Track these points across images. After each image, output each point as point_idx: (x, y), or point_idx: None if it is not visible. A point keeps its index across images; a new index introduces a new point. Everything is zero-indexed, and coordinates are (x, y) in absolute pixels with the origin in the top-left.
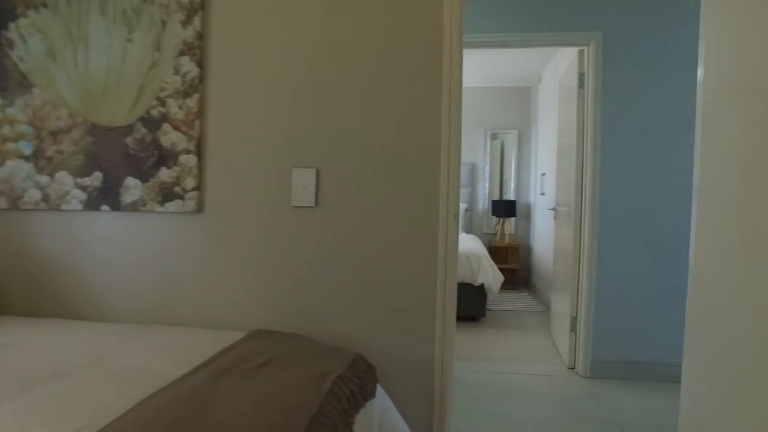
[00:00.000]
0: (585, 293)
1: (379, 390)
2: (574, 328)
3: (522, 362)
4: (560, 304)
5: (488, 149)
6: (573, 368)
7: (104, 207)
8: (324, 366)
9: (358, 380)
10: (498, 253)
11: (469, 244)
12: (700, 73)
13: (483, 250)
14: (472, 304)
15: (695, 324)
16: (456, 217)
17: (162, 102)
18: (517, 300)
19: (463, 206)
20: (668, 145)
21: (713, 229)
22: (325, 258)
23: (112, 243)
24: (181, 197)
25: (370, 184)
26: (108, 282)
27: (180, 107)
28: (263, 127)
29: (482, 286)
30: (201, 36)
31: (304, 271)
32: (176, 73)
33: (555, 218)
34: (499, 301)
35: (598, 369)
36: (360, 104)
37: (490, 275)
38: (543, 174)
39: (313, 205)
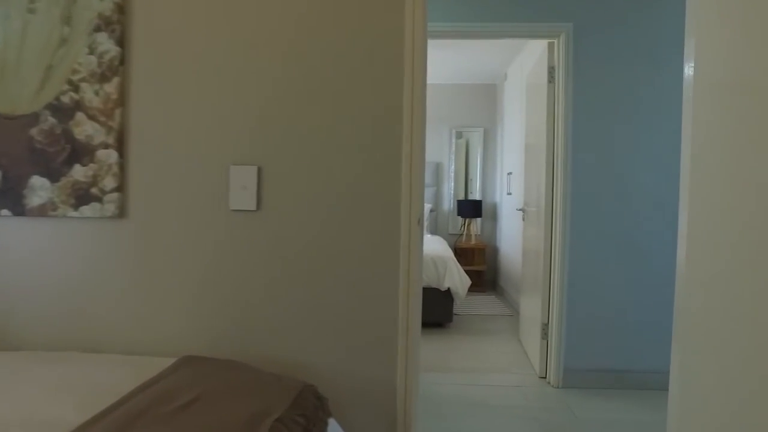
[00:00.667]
0: (557, 299)
1: (332, 426)
2: (545, 336)
3: (491, 372)
4: (530, 308)
5: (453, 148)
6: (545, 377)
7: (4, 212)
8: (262, 404)
9: (303, 420)
10: (464, 254)
11: (435, 246)
12: (688, 69)
13: (449, 253)
14: (438, 310)
15: (685, 329)
16: (420, 221)
17: (74, 87)
18: (485, 303)
19: (427, 207)
20: (641, 143)
21: (707, 230)
22: (270, 270)
23: (14, 255)
24: (99, 200)
25: (322, 184)
26: (8, 302)
27: (96, 93)
28: (197, 118)
29: (448, 290)
30: (121, 9)
31: (244, 286)
32: (91, 52)
33: (524, 219)
34: (465, 304)
35: (571, 378)
36: (310, 93)
37: (457, 279)
38: (509, 173)
39: (255, 208)
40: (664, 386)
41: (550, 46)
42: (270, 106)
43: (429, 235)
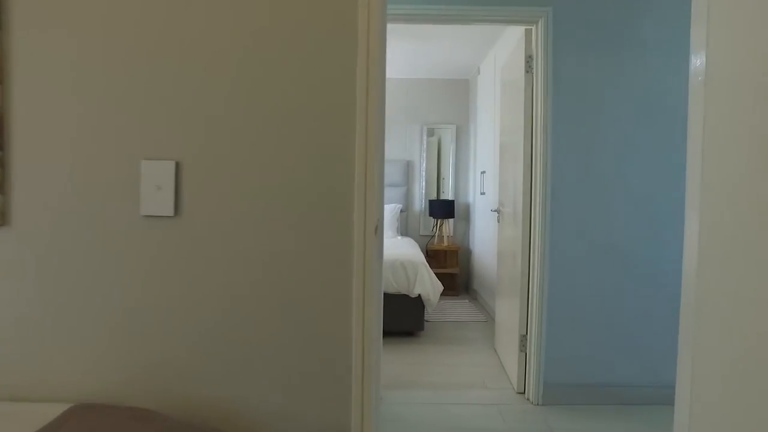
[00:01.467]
0: (535, 308)
1: None
2: (523, 348)
3: (465, 388)
4: (505, 314)
5: (425, 146)
6: (523, 393)
7: None
8: None
9: None
10: (436, 256)
11: (405, 249)
12: (697, 61)
13: (420, 256)
14: (407, 318)
15: (693, 338)
16: (378, 230)
17: None
18: (458, 308)
19: (398, 207)
20: (626, 138)
21: (720, 234)
22: (192, 291)
23: None
24: None
25: (256, 187)
26: None
27: None
28: (99, 101)
29: (419, 297)
30: None
31: (159, 309)
32: None
33: (498, 221)
34: (438, 310)
35: (552, 394)
36: (244, 78)
37: (428, 285)
38: (483, 172)
39: (172, 213)
40: (653, 401)
41: (528, 33)
42: (190, 89)
43: (399, 237)
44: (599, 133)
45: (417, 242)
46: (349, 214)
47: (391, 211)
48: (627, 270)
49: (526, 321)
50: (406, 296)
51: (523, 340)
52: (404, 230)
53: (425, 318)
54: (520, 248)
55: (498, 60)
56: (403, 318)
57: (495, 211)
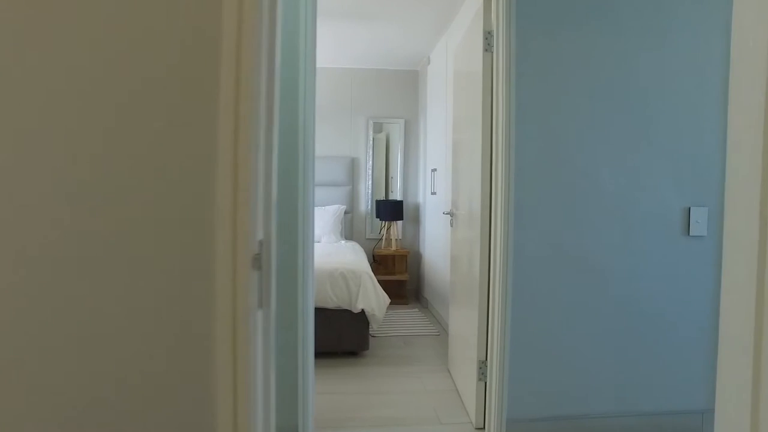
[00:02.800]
0: (497, 330)
1: None
2: (482, 376)
3: (416, 424)
4: (460, 326)
5: (371, 141)
6: (482, 429)
7: None
8: None
9: None
10: (384, 262)
11: (347, 256)
12: (740, 36)
13: (364, 265)
14: (350, 336)
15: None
16: (264, 260)
17: None
18: (408, 319)
19: (341, 208)
20: (602, 130)
21: None
22: None
23: None
24: None
25: (70, 190)
26: None
27: None
28: None
29: (363, 312)
30: None
31: None
32: None
33: (452, 224)
34: (385, 321)
35: (517, 429)
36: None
37: (373, 298)
38: (434, 170)
39: None
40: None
41: (486, 4)
42: None
43: (343, 242)
44: (572, 124)
45: (363, 247)
46: (207, 237)
47: (333, 213)
48: (602, 287)
49: (486, 344)
50: (347, 312)
51: (483, 367)
52: (349, 234)
53: (370, 333)
54: (478, 252)
55: (450, 47)
56: (345, 337)
57: (448, 213)
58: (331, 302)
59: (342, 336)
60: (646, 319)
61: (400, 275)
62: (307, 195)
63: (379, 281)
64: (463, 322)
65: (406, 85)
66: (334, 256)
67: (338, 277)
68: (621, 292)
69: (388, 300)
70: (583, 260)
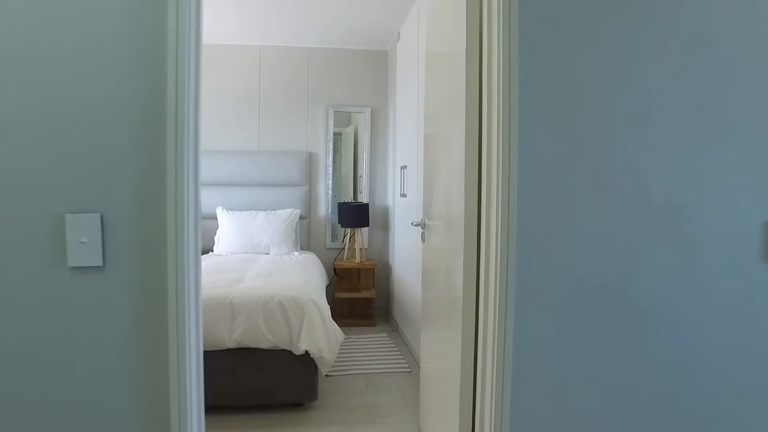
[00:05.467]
0: (490, 391)
1: None
2: None
3: None
4: (436, 357)
5: (331, 134)
6: None
7: None
8: None
9: None
10: (347, 276)
11: (293, 276)
12: None
13: (312, 289)
14: (291, 383)
15: None
16: None
17: None
18: (373, 348)
19: (295, 212)
20: (650, 109)
21: None
22: None
23: None
24: None
25: None
26: None
27: None
28: None
29: (307, 354)
30: None
31: None
32: None
33: (424, 239)
34: (346, 350)
35: None
36: None
37: (321, 335)
38: (404, 167)
39: None
40: None
41: None
42: None
43: (296, 254)
44: (603, 97)
45: (322, 258)
46: None
47: (285, 218)
48: (646, 329)
49: (473, 386)
50: (288, 353)
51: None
52: (305, 243)
53: (325, 373)
54: (460, 264)
55: (423, 17)
56: (284, 385)
57: (418, 225)
58: (265, 341)
59: (280, 384)
60: (709, 378)
61: (366, 292)
62: (183, 200)
63: (341, 299)
64: (437, 350)
65: (372, 68)
66: (276, 276)
67: (275, 308)
68: (674, 340)
69: (341, 337)
70: (619, 294)
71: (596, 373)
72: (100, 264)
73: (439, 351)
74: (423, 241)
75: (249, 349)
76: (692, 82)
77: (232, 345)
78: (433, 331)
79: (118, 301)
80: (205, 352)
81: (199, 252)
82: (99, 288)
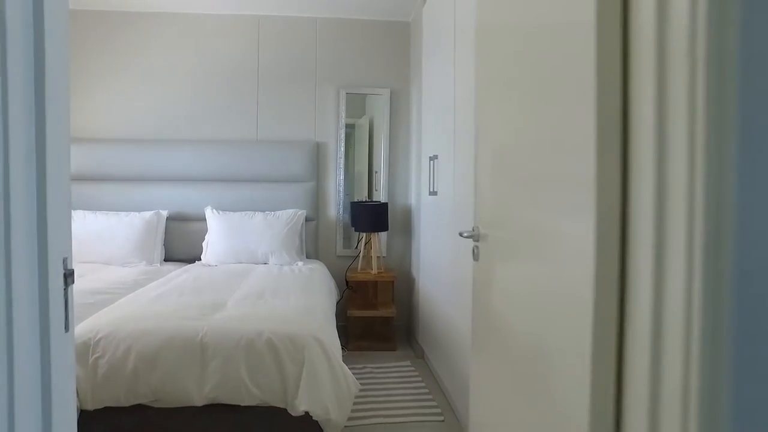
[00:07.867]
0: None
1: None
2: None
3: None
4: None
5: (343, 121)
6: None
7: None
8: None
9: None
10: (362, 289)
11: (292, 300)
12: None
13: (316, 318)
14: None
15: None
16: None
17: None
18: (394, 381)
19: (300, 214)
20: None
21: None
22: None
23: None
24: None
25: None
26: None
27: None
28: None
29: (308, 416)
30: None
31: None
32: None
33: (476, 257)
34: (359, 382)
35: None
36: None
37: (328, 389)
38: (433, 157)
39: None
40: None
41: None
42: None
43: (301, 263)
44: None
45: (332, 269)
46: None
47: (287, 221)
48: None
49: None
50: (282, 411)
51: None
52: (312, 250)
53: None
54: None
55: None
56: None
57: (470, 236)
58: (249, 396)
59: None
60: None
61: (384, 309)
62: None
63: (354, 318)
64: (515, 411)
65: (391, 43)
66: (269, 299)
67: (263, 350)
68: None
69: (355, 388)
70: None
71: None
72: None
73: (517, 414)
74: (476, 259)
75: (226, 406)
76: None
77: (202, 402)
78: (500, 377)
79: None
80: (166, 412)
81: None
82: None
